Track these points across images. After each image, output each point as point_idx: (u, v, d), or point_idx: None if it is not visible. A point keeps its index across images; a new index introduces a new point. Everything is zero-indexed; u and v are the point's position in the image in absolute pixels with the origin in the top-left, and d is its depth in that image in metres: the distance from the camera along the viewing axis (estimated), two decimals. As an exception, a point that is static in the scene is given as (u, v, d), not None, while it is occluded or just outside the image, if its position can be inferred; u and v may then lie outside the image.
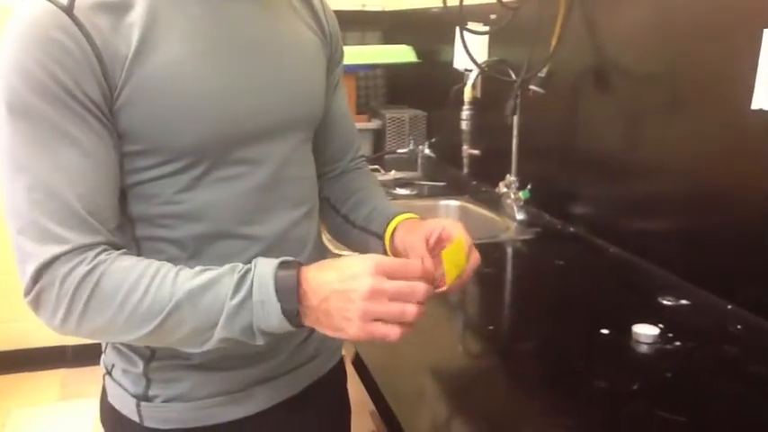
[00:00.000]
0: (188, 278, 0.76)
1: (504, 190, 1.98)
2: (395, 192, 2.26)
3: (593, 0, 1.69)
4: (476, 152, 1.97)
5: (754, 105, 1.24)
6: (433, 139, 2.61)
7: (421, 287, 0.75)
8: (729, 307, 1.34)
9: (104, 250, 0.77)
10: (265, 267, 0.76)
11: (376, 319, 0.74)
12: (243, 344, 0.78)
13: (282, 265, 0.76)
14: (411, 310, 0.74)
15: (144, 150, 0.81)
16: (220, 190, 0.85)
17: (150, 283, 0.75)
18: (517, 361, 1.17)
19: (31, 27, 0.73)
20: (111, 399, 0.95)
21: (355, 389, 1.16)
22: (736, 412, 0.99)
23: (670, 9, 1.46)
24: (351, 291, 0.73)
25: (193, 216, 0.84)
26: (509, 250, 1.77)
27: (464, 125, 1.94)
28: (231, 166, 0.86)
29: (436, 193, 2.27)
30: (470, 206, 2.12)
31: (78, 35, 0.73)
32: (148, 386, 0.90)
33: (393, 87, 3.13)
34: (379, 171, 2.44)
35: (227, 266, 0.77)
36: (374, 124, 2.77)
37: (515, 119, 1.93)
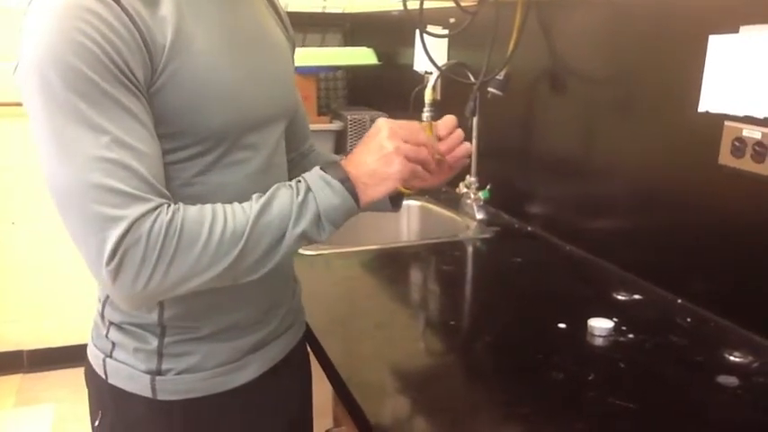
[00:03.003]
0: (253, 202, 0.86)
1: (465, 190, 2.02)
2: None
3: (549, 5, 1.75)
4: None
5: (701, 108, 1.30)
6: (394, 141, 2.63)
7: (424, 150, 0.91)
8: (679, 301, 1.39)
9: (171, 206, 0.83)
10: (311, 171, 0.90)
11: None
12: (245, 310, 0.95)
13: (325, 163, 0.91)
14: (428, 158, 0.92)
15: (172, 133, 0.86)
16: (230, 173, 0.93)
17: (225, 214, 0.83)
18: (477, 354, 1.20)
19: (80, 8, 0.77)
20: (113, 380, 0.97)
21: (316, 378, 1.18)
22: (682, 398, 1.04)
23: (623, 15, 1.52)
24: (379, 144, 0.89)
25: (205, 198, 0.88)
26: (469, 249, 1.81)
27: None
28: (240, 150, 0.93)
29: (397, 194, 2.30)
30: (431, 206, 2.15)
31: (126, 19, 0.79)
32: (161, 361, 0.94)
33: (354, 89, 3.16)
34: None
35: (276, 184, 0.89)
36: (335, 126, 2.78)
37: (475, 121, 1.97)
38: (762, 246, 1.23)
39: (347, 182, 0.88)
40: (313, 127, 2.70)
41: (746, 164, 1.23)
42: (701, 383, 1.09)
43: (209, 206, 0.84)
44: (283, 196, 0.87)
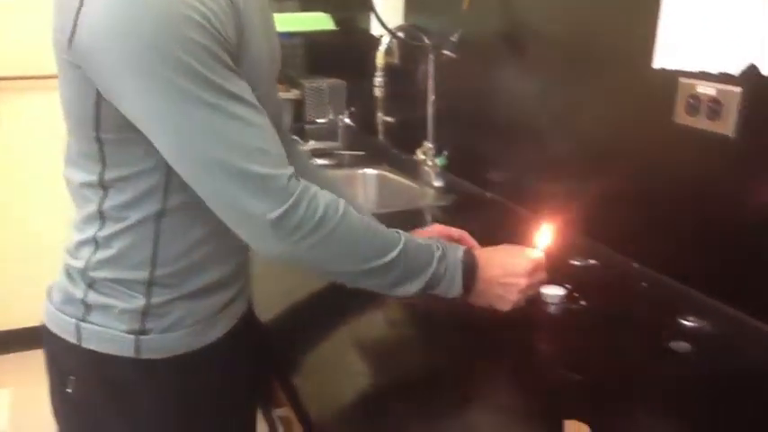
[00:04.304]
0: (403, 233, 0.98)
1: (422, 157, 1.96)
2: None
3: (502, -38, 1.68)
4: (390, 119, 1.95)
5: (656, 65, 1.25)
6: (353, 109, 2.56)
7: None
8: (636, 265, 1.36)
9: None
10: (459, 252, 1.01)
11: None
12: (226, 266, 0.98)
13: (466, 254, 1.02)
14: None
15: None
16: None
17: (377, 224, 0.96)
18: (428, 323, 1.15)
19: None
20: (89, 344, 0.95)
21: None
22: (633, 366, 1.01)
23: (575, -30, 1.46)
24: (513, 285, 1.03)
25: None
26: (428, 218, 1.76)
27: (378, 92, 1.90)
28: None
29: (356, 163, 2.24)
30: (389, 175, 2.10)
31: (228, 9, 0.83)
32: (145, 320, 0.94)
33: (312, 56, 3.06)
34: (298, 142, 2.38)
35: (429, 240, 1.01)
36: (293, 94, 2.70)
37: (430, 85, 1.91)
38: (718, 206, 1.19)
39: (466, 294, 1.01)
40: (270, 96, 2.64)
41: (701, 122, 1.19)
42: (654, 350, 1.05)
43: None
44: (429, 254, 0.98)
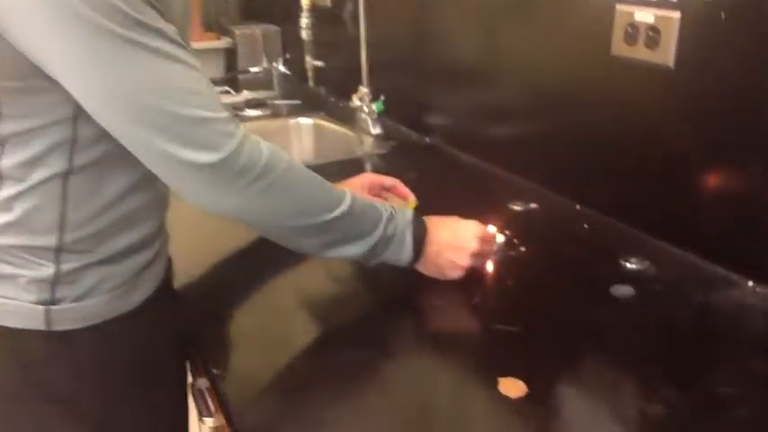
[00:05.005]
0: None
1: (358, 103, 1.86)
2: (244, 114, 2.10)
3: None
4: (320, 64, 1.84)
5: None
6: (288, 56, 2.44)
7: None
8: (578, 207, 1.30)
9: None
10: (405, 216, 0.96)
11: None
12: (143, 226, 0.90)
13: (415, 217, 0.98)
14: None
15: None
16: None
17: (321, 178, 0.90)
18: (355, 284, 1.08)
19: None
20: None
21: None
22: (573, 316, 0.95)
23: None
24: (463, 248, 1.00)
25: None
26: (367, 166, 1.68)
27: (305, 35, 1.79)
28: None
29: (292, 113, 2.13)
30: (325, 123, 2.00)
31: None
32: (54, 289, 0.87)
33: (243, 1, 2.90)
34: (229, 93, 2.26)
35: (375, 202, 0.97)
36: (224, 43, 2.56)
37: (362, 26, 1.80)
38: (659, 141, 1.13)
39: (416, 260, 0.97)
40: (199, 46, 2.49)
41: (640, 51, 1.12)
42: (595, 297, 1.00)
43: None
44: (378, 216, 0.93)
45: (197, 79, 0.78)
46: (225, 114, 0.80)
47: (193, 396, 1.02)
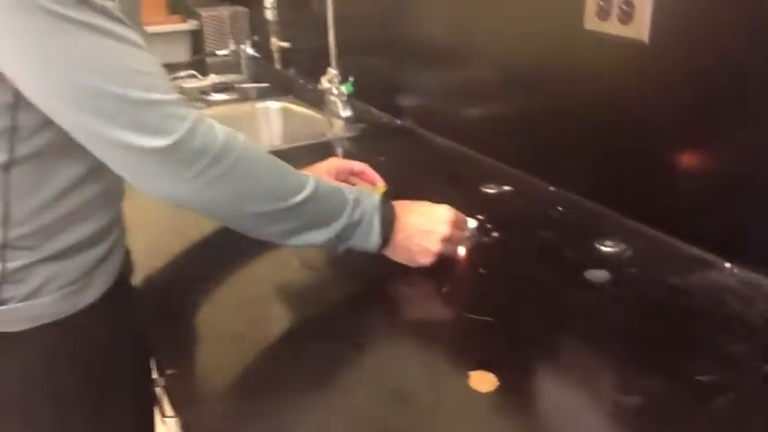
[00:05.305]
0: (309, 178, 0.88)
1: (327, 85, 1.81)
2: (210, 98, 2.04)
3: None
4: (286, 45, 1.78)
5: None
6: (256, 38, 2.37)
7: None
8: (551, 189, 1.27)
9: None
10: (373, 200, 0.93)
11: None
12: (95, 220, 0.85)
13: (383, 200, 0.94)
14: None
15: None
16: None
17: (283, 162, 0.86)
18: (321, 274, 1.04)
19: None
20: None
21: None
22: (548, 303, 0.92)
23: None
24: (434, 233, 0.96)
25: None
26: (337, 150, 1.63)
27: (270, 15, 1.73)
28: None
29: (261, 96, 2.07)
30: (293, 107, 1.94)
31: None
32: (1, 289, 0.82)
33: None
34: (195, 77, 2.19)
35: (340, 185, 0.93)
36: (190, 25, 2.48)
37: (330, 5, 1.74)
38: (633, 119, 1.10)
39: (385, 245, 0.94)
40: (164, 29, 2.42)
41: (613, 26, 1.08)
42: (570, 282, 0.96)
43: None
44: (343, 200, 0.89)
45: (145, 59, 0.74)
46: (175, 96, 0.75)
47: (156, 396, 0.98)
